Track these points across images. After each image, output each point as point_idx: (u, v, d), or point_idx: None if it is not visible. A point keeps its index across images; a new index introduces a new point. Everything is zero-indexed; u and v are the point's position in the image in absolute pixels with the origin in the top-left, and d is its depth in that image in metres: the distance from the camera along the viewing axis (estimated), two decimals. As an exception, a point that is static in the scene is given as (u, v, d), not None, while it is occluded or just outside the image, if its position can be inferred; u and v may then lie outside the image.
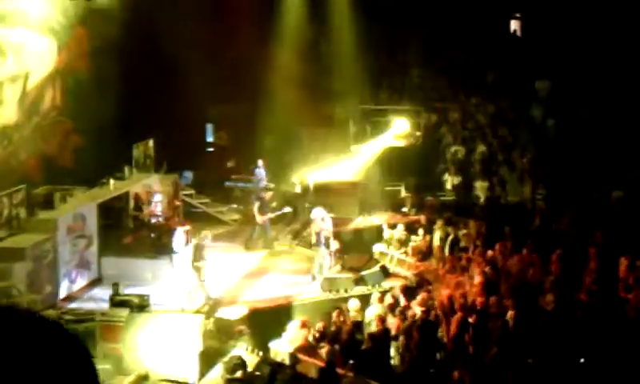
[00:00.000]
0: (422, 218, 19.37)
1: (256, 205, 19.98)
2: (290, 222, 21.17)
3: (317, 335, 13.70)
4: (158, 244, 17.69)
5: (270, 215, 20.15)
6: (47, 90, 19.19)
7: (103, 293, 16.13)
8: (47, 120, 19.33)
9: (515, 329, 12.73)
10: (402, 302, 14.57)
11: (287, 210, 21.24)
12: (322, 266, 17.28)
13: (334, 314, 14.39)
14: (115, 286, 15.30)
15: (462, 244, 17.71)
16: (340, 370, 12.16)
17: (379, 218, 20.85)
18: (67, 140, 19.84)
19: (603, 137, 21.27)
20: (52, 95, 19.36)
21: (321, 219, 17.73)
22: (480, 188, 21.27)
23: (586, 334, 12.45)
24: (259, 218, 19.77)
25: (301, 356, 12.92)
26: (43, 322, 1.73)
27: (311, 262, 17.78)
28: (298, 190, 22.81)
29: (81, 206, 17.32)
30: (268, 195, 20.56)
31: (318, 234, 17.58)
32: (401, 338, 13.13)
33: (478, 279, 15.01)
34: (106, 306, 14.97)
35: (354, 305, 14.79)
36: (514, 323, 12.79)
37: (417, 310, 13.89)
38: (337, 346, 12.95)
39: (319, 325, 13.99)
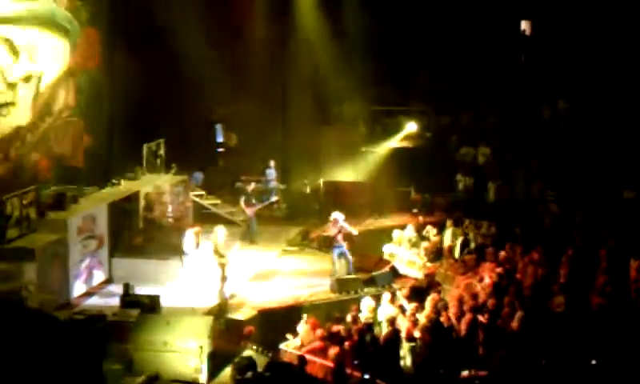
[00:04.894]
0: (414, 221, 19.50)
1: (242, 199, 20.41)
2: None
3: (327, 336, 13.70)
4: (168, 245, 17.72)
5: (258, 206, 20.55)
6: (60, 91, 19.25)
7: (114, 293, 16.19)
8: (60, 120, 19.39)
9: (523, 330, 12.68)
10: (406, 305, 14.48)
11: (274, 198, 21.79)
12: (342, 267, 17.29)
13: (346, 315, 14.39)
14: (126, 286, 15.33)
15: (473, 245, 17.68)
16: (348, 371, 12.16)
17: (389, 219, 20.86)
18: (79, 140, 19.89)
19: (615, 137, 21.19)
20: (65, 96, 19.42)
21: (343, 220, 17.70)
22: (492, 189, 21.23)
23: (597, 335, 12.40)
24: (248, 211, 20.20)
25: (310, 357, 12.91)
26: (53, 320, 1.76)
27: (329, 263, 17.80)
28: (308, 191, 22.85)
29: (91, 207, 17.38)
30: (252, 188, 20.82)
31: (337, 236, 17.50)
32: (418, 338, 13.05)
33: (488, 280, 14.97)
34: (116, 306, 15.02)
35: (367, 304, 14.77)
36: (522, 325, 12.73)
37: (427, 311, 13.85)
38: (346, 347, 12.93)
39: (329, 326, 13.98)
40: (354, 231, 17.86)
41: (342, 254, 17.33)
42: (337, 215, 17.59)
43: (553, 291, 14.17)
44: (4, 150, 17.63)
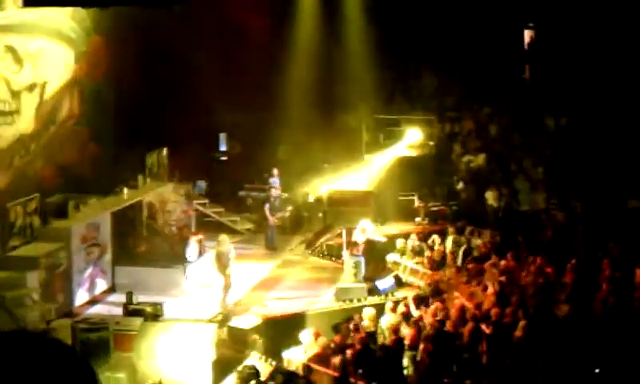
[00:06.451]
0: (418, 230, 19.50)
1: (266, 206, 20.55)
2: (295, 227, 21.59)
3: (331, 345, 13.67)
4: (171, 253, 17.72)
5: (278, 215, 20.80)
6: (64, 99, 19.26)
7: (116, 302, 16.18)
8: (64, 129, 19.41)
9: (527, 339, 12.66)
10: (414, 311, 14.50)
11: (289, 207, 21.93)
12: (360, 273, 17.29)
13: (349, 324, 14.36)
14: (129, 294, 15.32)
15: (475, 253, 17.65)
16: (352, 380, 12.13)
17: (392, 228, 20.83)
18: (84, 149, 19.91)
19: (619, 145, 21.16)
20: (69, 104, 19.43)
21: (372, 231, 17.72)
22: (491, 197, 21.20)
23: (601, 344, 12.37)
24: (271, 220, 20.37)
25: (314, 365, 12.90)
26: (54, 346, 1.73)
27: (333, 271, 17.83)
28: (311, 199, 22.83)
29: (95, 215, 17.38)
30: (273, 197, 20.96)
31: (361, 244, 17.47)
32: (421, 347, 13.02)
33: (491, 289, 14.94)
34: (119, 314, 15.01)
35: (368, 313, 14.74)
36: (526, 333, 12.71)
37: (429, 319, 13.83)
38: (349, 356, 12.90)
39: (334, 335, 13.96)
40: (382, 238, 17.99)
41: (357, 264, 17.31)
42: (366, 224, 17.62)
43: (557, 300, 14.14)
44: (8, 159, 17.65)
